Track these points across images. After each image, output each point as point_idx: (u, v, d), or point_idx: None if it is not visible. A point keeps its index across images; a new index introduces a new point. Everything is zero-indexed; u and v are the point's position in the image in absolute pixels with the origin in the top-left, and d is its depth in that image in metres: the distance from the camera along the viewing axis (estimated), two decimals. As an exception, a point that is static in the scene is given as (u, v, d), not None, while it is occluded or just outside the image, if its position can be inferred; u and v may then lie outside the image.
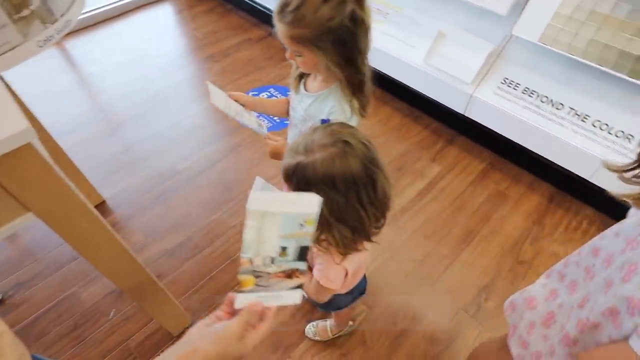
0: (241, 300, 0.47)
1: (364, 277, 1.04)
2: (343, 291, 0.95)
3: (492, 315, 1.34)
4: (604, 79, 1.40)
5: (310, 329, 1.27)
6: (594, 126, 1.45)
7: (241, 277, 0.47)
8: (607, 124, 1.43)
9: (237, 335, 0.45)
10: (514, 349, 0.74)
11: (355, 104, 0.91)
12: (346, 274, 0.81)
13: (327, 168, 0.64)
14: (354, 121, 0.92)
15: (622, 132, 1.41)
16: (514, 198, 1.69)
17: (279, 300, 0.48)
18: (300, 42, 0.80)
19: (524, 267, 1.47)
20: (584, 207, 1.66)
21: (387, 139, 1.92)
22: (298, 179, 0.67)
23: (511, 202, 1.68)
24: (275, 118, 1.99)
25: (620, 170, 0.55)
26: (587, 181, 1.52)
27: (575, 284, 0.66)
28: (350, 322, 1.27)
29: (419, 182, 1.74)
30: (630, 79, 1.29)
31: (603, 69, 1.33)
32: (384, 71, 1.92)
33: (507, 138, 1.68)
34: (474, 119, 1.74)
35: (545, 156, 1.60)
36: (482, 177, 1.77)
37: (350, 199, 0.66)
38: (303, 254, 0.48)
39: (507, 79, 1.62)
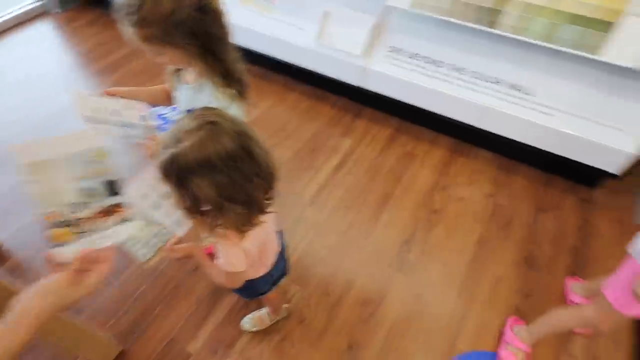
0: (63, 253, 0.46)
1: (283, 259, 1.06)
2: (259, 273, 0.96)
3: (415, 264, 1.45)
4: (471, 33, 1.54)
5: (247, 321, 1.27)
6: (472, 77, 1.60)
7: (53, 232, 0.46)
8: (481, 73, 1.59)
9: (68, 282, 0.45)
10: None
11: (231, 91, 0.91)
12: (249, 260, 0.82)
13: (200, 152, 0.64)
14: (235, 109, 0.93)
15: (495, 77, 1.57)
16: (420, 156, 1.82)
17: (111, 238, 0.49)
18: (152, 42, 0.78)
19: (437, 215, 1.60)
20: (480, 151, 1.83)
21: (299, 123, 1.95)
22: (176, 172, 0.66)
23: (418, 160, 1.80)
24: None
25: None
26: (476, 127, 1.68)
27: None
28: (285, 305, 1.30)
29: (334, 158, 1.80)
30: (491, 30, 1.44)
31: (468, 24, 1.46)
32: (280, 57, 1.95)
33: (404, 102, 1.79)
34: (371, 89, 1.83)
35: (438, 112, 1.73)
36: (390, 142, 1.87)
37: (233, 176, 0.67)
38: (114, 187, 0.48)
39: (393, 47, 1.72)
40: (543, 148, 1.58)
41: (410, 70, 1.68)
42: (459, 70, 1.61)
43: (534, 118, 1.51)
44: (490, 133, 1.67)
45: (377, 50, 1.74)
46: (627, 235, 1.58)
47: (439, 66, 1.64)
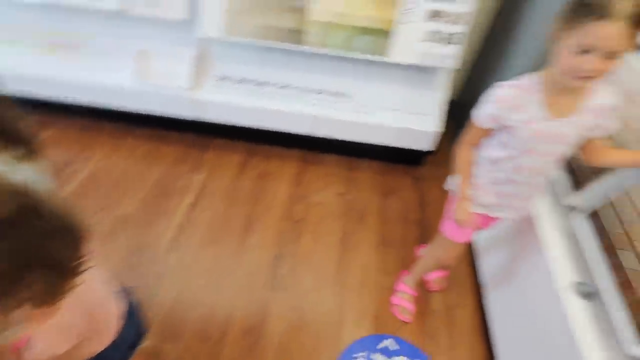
0: None
1: (134, 320, 0.94)
2: (104, 344, 0.83)
3: (288, 277, 1.47)
4: (287, 52, 1.67)
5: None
6: (298, 91, 1.73)
7: None
8: (305, 87, 1.73)
9: None
10: None
11: (15, 152, 0.78)
12: (78, 333, 0.70)
13: None
14: (24, 170, 0.79)
15: (318, 88, 1.73)
16: (274, 173, 1.87)
17: None
18: None
19: (300, 224, 1.66)
20: (327, 157, 1.98)
21: (140, 170, 1.81)
22: None
23: (273, 177, 1.85)
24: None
25: None
26: (315, 136, 1.82)
27: None
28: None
29: (187, 197, 1.71)
30: (300, 47, 1.58)
31: (279, 45, 1.58)
32: (103, 104, 1.79)
33: (245, 126, 1.83)
34: (209, 120, 1.82)
35: (277, 129, 1.82)
36: (243, 167, 1.88)
37: (21, 239, 0.56)
38: None
39: (220, 75, 1.74)
40: (372, 142, 1.80)
41: (241, 94, 1.73)
42: (284, 87, 1.73)
43: (358, 118, 1.71)
44: (330, 138, 1.83)
45: (205, 80, 1.75)
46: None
47: (266, 86, 1.73)
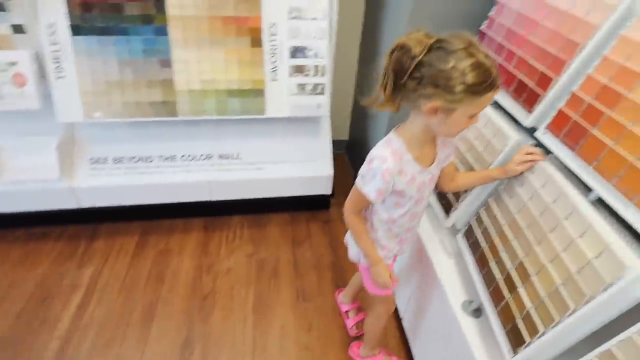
0: None
1: None
2: None
3: (201, 363, 1.33)
4: (164, 124, 1.63)
5: None
6: (185, 160, 1.68)
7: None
8: (191, 155, 1.69)
9: None
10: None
11: None
12: None
13: None
14: None
15: (205, 154, 1.70)
16: (176, 248, 1.75)
17: None
18: None
19: (210, 299, 1.54)
20: (231, 219, 1.92)
21: (13, 278, 1.57)
22: None
23: (175, 252, 1.73)
24: None
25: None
26: (213, 201, 1.76)
27: None
28: None
29: (74, 297, 1.51)
30: (175, 118, 1.55)
31: (151, 119, 1.54)
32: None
33: (136, 205, 1.71)
34: (93, 206, 1.67)
35: (173, 201, 1.73)
36: (140, 248, 1.74)
37: None
38: None
39: (94, 158, 1.63)
40: (272, 196, 1.79)
41: (123, 174, 1.63)
42: (170, 158, 1.67)
43: (251, 175, 1.70)
44: (228, 200, 1.78)
45: (78, 166, 1.62)
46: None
47: (150, 161, 1.65)
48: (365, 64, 1.95)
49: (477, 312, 1.02)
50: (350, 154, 2.38)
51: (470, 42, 0.68)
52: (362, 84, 2.05)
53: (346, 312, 1.48)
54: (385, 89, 0.75)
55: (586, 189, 0.79)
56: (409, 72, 0.70)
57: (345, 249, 1.77)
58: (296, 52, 1.53)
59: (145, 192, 1.67)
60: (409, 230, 1.01)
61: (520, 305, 0.84)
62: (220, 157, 1.70)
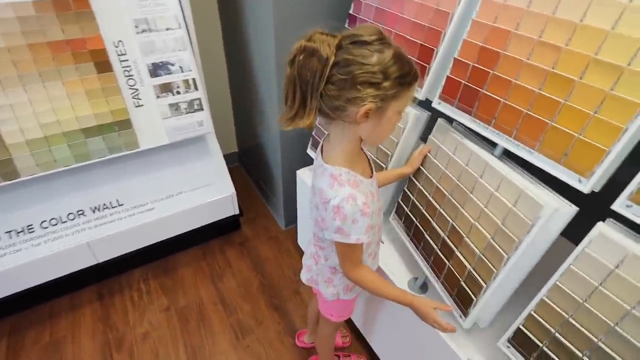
0: None
1: None
2: None
3: None
4: (3, 190, 1.26)
5: None
6: (49, 227, 1.33)
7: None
8: (58, 218, 1.35)
9: None
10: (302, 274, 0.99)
11: None
12: None
13: None
14: None
15: (76, 212, 1.37)
16: (67, 334, 1.40)
17: None
18: None
19: (132, 380, 1.28)
20: (131, 273, 1.62)
21: None
22: None
23: (68, 340, 1.38)
24: None
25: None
26: (103, 262, 1.45)
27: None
28: None
29: None
30: (18, 180, 1.21)
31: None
32: None
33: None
34: None
35: (54, 277, 1.37)
36: (13, 352, 1.34)
37: None
38: None
39: None
40: (173, 234, 1.56)
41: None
42: (24, 231, 1.30)
43: (139, 221, 1.44)
44: (121, 256, 1.49)
45: None
46: (277, 241, 1.83)
47: (30, 231, 1.27)
48: (237, 68, 1.83)
49: (424, 287, 1.03)
50: (245, 165, 2.24)
51: (380, 32, 0.62)
52: (239, 90, 1.92)
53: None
54: (294, 104, 0.64)
55: (493, 145, 0.83)
56: (324, 77, 0.60)
57: (271, 263, 1.66)
58: (157, 69, 1.33)
59: (2, 280, 1.28)
60: (378, 243, 0.94)
61: (461, 268, 0.86)
62: (95, 210, 1.40)
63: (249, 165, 2.16)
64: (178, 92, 1.35)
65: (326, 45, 0.60)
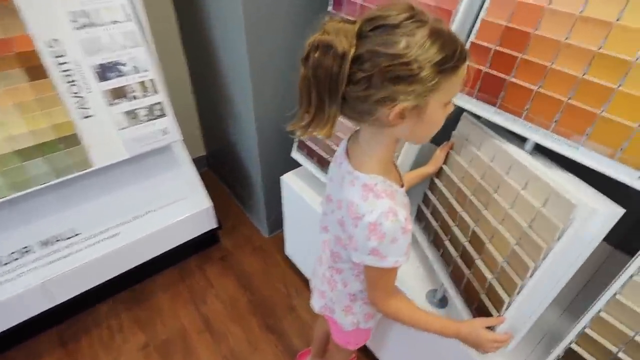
0: None
1: None
2: None
3: None
4: None
5: None
6: (-12, 271, 1.10)
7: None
8: (31, 248, 1.12)
9: None
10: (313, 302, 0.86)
11: None
12: None
13: None
14: None
15: (22, 249, 1.15)
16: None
17: None
18: None
19: None
20: (95, 311, 1.41)
21: None
22: None
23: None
24: None
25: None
26: (62, 303, 1.23)
27: (326, 226, 0.74)
28: None
29: None
30: None
31: None
32: None
33: None
34: None
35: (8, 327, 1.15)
36: None
37: None
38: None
39: None
40: (142, 262, 1.36)
41: None
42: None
43: (102, 250, 1.23)
44: (84, 292, 1.28)
45: None
46: (263, 252, 1.68)
47: None
48: (200, 66, 1.62)
49: (444, 300, 0.93)
50: (215, 169, 2.04)
51: (411, 7, 0.48)
52: (205, 90, 1.72)
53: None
54: (309, 109, 0.51)
55: (522, 140, 0.73)
56: (344, 76, 0.47)
57: (258, 277, 1.51)
58: (105, 71, 1.11)
59: None
60: None
61: (481, 279, 0.77)
62: (46, 244, 1.18)
63: (221, 169, 1.97)
64: (134, 97, 1.15)
65: (342, 37, 0.46)
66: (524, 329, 0.71)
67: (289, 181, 1.25)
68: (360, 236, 0.58)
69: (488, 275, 0.75)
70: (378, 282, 0.65)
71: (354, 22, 0.48)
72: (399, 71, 0.47)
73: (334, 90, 0.48)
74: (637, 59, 0.55)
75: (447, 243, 0.87)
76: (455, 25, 0.75)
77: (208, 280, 1.54)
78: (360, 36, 0.47)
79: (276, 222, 1.66)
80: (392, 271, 0.62)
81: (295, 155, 1.22)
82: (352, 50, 0.46)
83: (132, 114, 1.16)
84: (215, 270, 1.58)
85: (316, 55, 0.47)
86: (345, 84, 0.48)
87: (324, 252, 0.78)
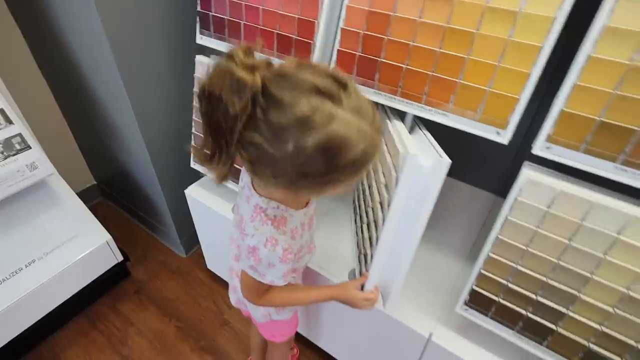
0: None
1: None
2: None
3: None
4: None
5: None
6: None
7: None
8: None
9: None
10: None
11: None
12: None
13: None
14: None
15: None
16: None
17: None
18: None
19: None
20: None
21: None
22: None
23: None
24: None
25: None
26: None
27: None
28: None
29: None
30: None
31: None
32: None
33: None
34: None
35: None
36: None
37: None
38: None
39: None
40: (34, 321, 1.17)
41: None
42: None
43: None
44: None
45: None
46: (182, 274, 1.58)
47: None
48: (67, 90, 1.42)
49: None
50: (111, 197, 1.84)
51: (316, 88, 0.42)
52: (78, 116, 1.52)
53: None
54: (208, 145, 0.48)
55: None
56: (237, 134, 0.44)
57: (182, 301, 1.43)
58: None
59: None
60: (303, 264, 0.82)
61: (364, 242, 0.83)
62: None
63: (117, 196, 1.78)
64: (-16, 133, 0.97)
65: (235, 97, 0.42)
66: (396, 284, 0.76)
67: (194, 194, 1.18)
68: (243, 250, 0.61)
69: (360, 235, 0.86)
70: (251, 287, 0.66)
71: (259, 63, 0.44)
72: (277, 171, 0.47)
73: (228, 141, 0.45)
74: (478, 30, 0.63)
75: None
76: (324, 13, 0.77)
77: (126, 318, 1.39)
78: (255, 103, 0.43)
79: (191, 239, 1.57)
80: (265, 285, 0.63)
81: (195, 165, 1.15)
82: (245, 115, 0.43)
83: (-17, 153, 0.97)
84: (132, 306, 1.44)
85: (207, 105, 0.43)
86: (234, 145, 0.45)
87: (232, 248, 0.79)
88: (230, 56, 0.43)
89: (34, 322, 1.16)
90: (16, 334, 1.13)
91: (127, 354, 1.29)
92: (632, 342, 0.62)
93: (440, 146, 0.69)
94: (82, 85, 1.27)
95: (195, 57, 1.00)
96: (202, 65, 1.00)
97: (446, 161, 0.62)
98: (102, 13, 0.94)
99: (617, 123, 0.55)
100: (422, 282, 0.94)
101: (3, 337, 1.11)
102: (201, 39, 0.99)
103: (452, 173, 0.63)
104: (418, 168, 0.62)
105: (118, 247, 1.34)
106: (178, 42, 1.14)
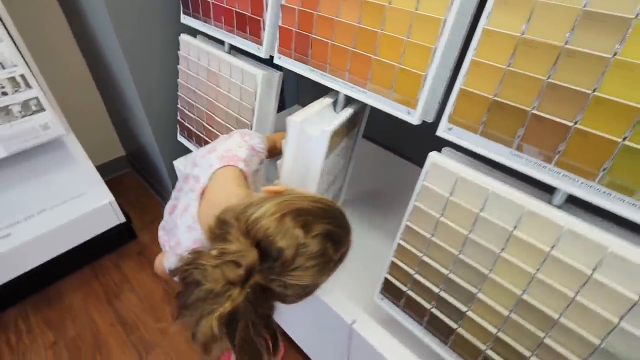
0: None
1: None
2: None
3: None
4: None
5: None
6: None
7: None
8: None
9: None
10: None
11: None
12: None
13: None
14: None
15: None
16: None
17: None
18: None
19: None
20: (4, 316, 1.39)
21: None
22: None
23: None
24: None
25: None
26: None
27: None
28: None
29: None
30: None
31: None
32: None
33: None
34: None
35: None
36: None
37: None
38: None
39: None
40: (40, 263, 1.35)
41: None
42: None
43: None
44: None
45: None
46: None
47: None
48: (96, 65, 1.61)
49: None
50: (137, 168, 2.03)
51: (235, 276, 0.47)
52: (106, 89, 1.71)
53: None
54: None
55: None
56: None
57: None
58: (-32, 69, 1.10)
59: None
60: None
61: None
62: None
63: (140, 168, 1.96)
64: (4, 94, 1.14)
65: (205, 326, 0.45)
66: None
67: (181, 166, 1.27)
68: None
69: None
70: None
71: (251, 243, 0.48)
72: None
73: None
74: (390, 3, 0.61)
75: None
76: (271, -8, 0.79)
77: (124, 275, 1.54)
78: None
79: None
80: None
81: (181, 138, 1.24)
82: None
83: (4, 110, 1.14)
84: (132, 265, 1.58)
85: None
86: None
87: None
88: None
89: (43, 261, 1.34)
90: (28, 269, 1.32)
91: (118, 307, 1.42)
92: (526, 353, 0.55)
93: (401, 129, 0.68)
94: (103, 63, 1.43)
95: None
96: (186, 43, 1.07)
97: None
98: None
99: (509, 103, 0.50)
100: (361, 269, 0.92)
101: (17, 269, 1.29)
102: (184, 19, 1.07)
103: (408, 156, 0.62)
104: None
105: (124, 210, 1.48)
106: (177, 23, 1.23)
